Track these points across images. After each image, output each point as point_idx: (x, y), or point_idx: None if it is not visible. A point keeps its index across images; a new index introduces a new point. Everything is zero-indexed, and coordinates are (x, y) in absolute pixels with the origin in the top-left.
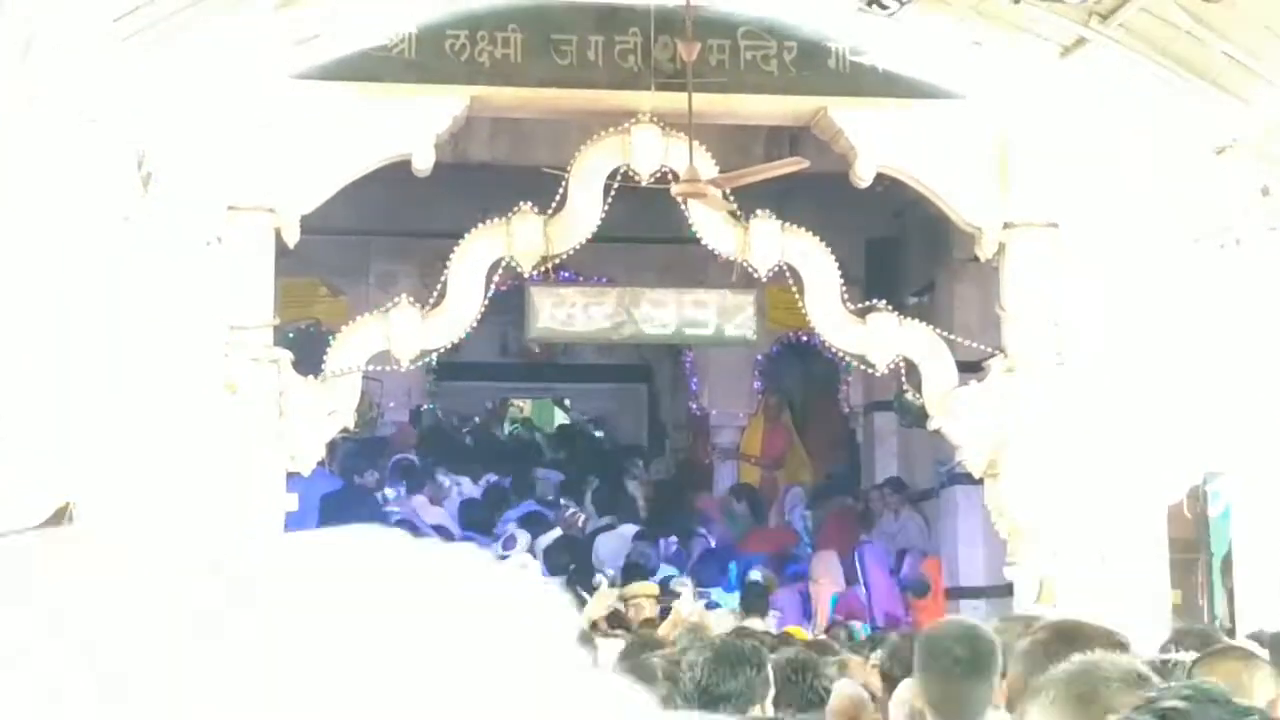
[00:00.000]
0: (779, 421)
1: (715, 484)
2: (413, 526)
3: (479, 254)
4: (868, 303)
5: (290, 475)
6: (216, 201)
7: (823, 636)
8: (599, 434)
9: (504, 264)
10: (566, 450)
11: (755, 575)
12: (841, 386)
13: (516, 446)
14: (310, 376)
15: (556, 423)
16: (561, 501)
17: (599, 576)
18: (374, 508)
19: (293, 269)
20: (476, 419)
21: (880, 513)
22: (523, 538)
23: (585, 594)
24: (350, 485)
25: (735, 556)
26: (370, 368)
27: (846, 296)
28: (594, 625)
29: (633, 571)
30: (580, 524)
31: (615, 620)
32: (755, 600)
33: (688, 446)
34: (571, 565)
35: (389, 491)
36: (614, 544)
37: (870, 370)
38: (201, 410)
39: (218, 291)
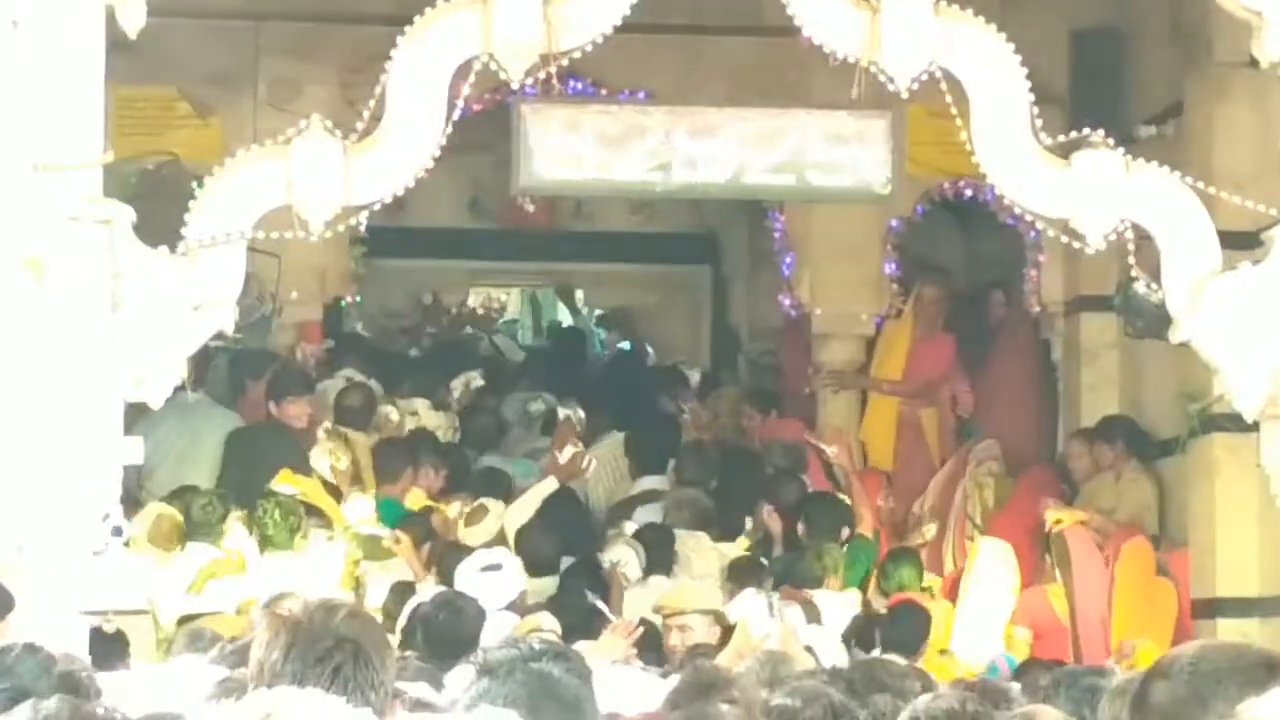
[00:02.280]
0: (936, 327)
1: (820, 425)
2: None
3: (436, 49)
4: (1074, 134)
5: (132, 407)
6: None
7: (989, 677)
8: (626, 344)
9: (478, 67)
10: (566, 370)
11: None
12: (1029, 272)
13: (490, 359)
14: (163, 248)
15: (558, 325)
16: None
17: (615, 555)
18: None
19: (136, 73)
20: (432, 326)
21: (1089, 475)
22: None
23: (596, 598)
24: (268, 423)
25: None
26: (260, 235)
27: (1040, 123)
28: None
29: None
30: (585, 466)
31: (651, 643)
32: (905, 622)
33: (775, 366)
34: (567, 549)
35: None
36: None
37: (1078, 246)
38: None
39: (13, 111)
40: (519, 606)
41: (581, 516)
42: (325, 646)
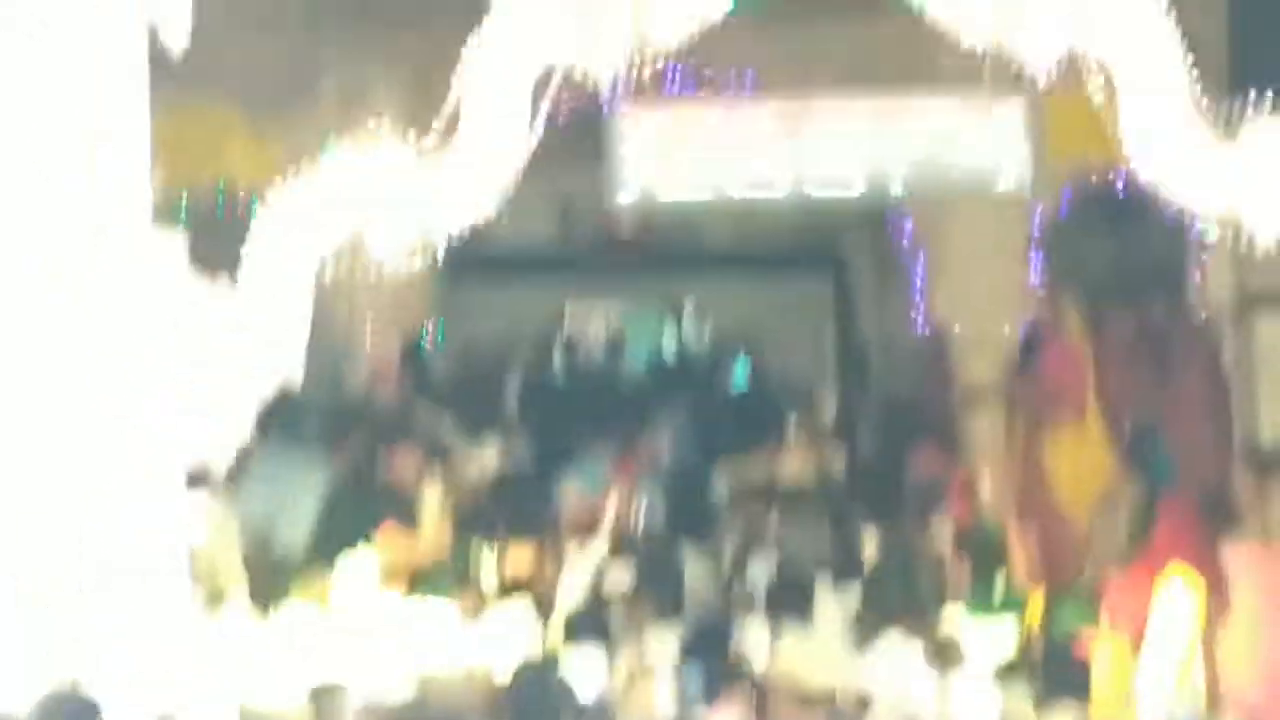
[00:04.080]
0: (1062, 329)
1: (970, 457)
2: None
3: (516, 53)
4: (1237, 106)
5: (193, 470)
6: None
7: None
8: (741, 367)
9: (564, 74)
10: (687, 400)
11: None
12: (1192, 271)
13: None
14: (221, 277)
15: (660, 346)
16: None
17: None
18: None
19: (185, 91)
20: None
21: (1262, 495)
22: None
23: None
24: (368, 478)
25: None
26: (329, 269)
27: (1203, 98)
28: None
29: None
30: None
31: None
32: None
33: (911, 387)
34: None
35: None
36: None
37: (1244, 241)
38: (30, 345)
39: (56, 137)
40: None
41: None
42: None
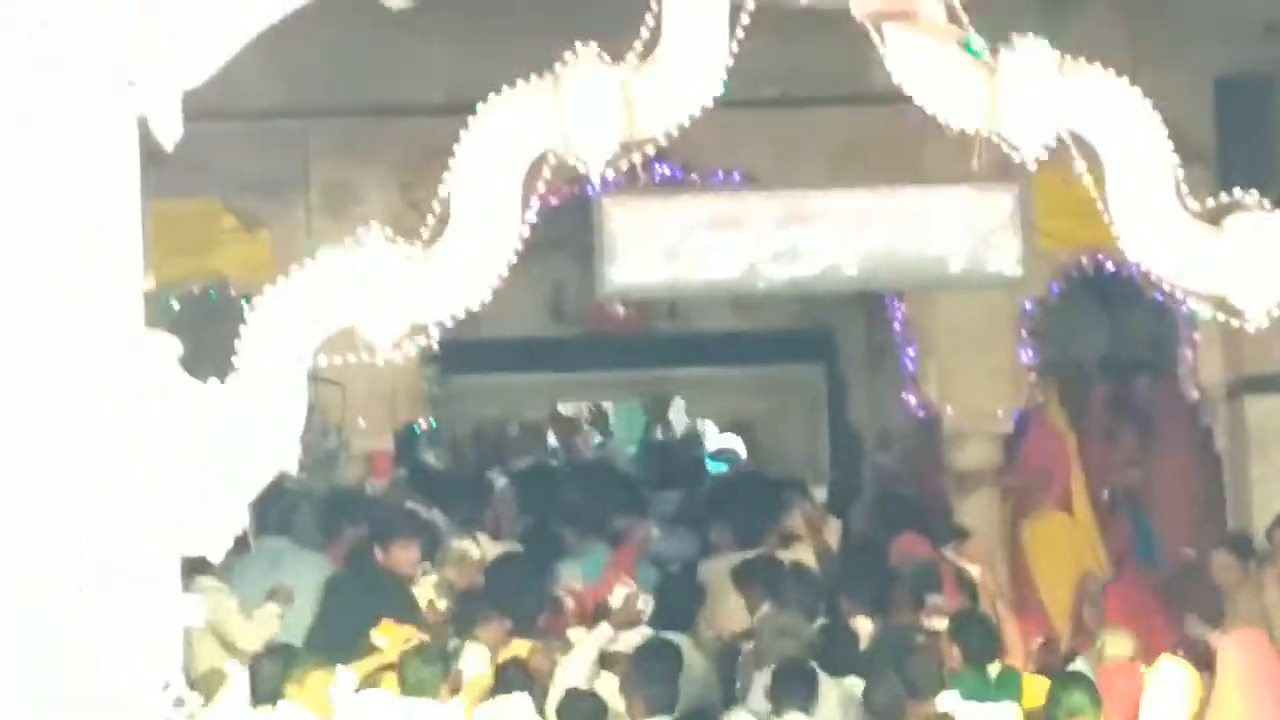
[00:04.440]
0: (1043, 414)
1: (961, 540)
2: None
3: (506, 142)
4: (1224, 196)
5: (188, 563)
6: (27, 64)
7: None
8: (729, 456)
9: (553, 160)
10: (671, 490)
11: None
12: (1184, 352)
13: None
14: (213, 380)
15: (651, 433)
16: None
17: None
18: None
19: (175, 185)
20: (509, 431)
21: (1247, 580)
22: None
23: None
24: (370, 569)
25: None
26: (322, 361)
27: (1185, 186)
28: None
29: None
30: (641, 609)
31: None
32: None
33: (902, 472)
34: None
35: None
36: None
37: (1236, 323)
38: (25, 443)
39: (42, 238)
40: None
41: (675, 669)
42: None
